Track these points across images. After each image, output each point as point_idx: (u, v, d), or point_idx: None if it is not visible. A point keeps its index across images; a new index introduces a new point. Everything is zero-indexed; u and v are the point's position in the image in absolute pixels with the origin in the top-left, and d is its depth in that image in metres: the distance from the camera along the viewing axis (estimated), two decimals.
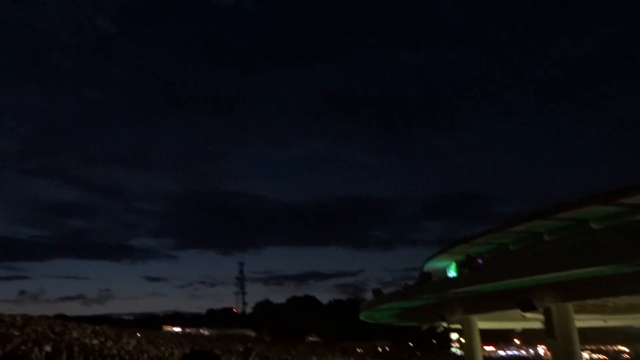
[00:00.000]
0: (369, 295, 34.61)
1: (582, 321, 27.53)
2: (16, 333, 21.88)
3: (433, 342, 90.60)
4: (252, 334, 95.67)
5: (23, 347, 13.51)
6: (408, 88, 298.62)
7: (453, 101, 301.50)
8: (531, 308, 19.33)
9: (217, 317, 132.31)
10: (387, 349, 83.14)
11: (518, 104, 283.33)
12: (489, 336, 64.40)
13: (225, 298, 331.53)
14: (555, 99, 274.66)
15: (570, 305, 20.59)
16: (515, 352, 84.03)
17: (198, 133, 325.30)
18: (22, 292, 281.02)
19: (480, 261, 21.80)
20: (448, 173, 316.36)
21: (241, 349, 52.70)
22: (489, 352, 79.19)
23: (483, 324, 30.85)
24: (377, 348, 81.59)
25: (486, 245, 25.19)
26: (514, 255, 23.65)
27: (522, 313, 20.92)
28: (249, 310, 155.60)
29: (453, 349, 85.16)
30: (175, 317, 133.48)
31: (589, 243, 18.00)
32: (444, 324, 28.42)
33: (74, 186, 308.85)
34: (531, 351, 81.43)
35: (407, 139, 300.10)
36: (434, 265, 29.55)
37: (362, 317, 35.42)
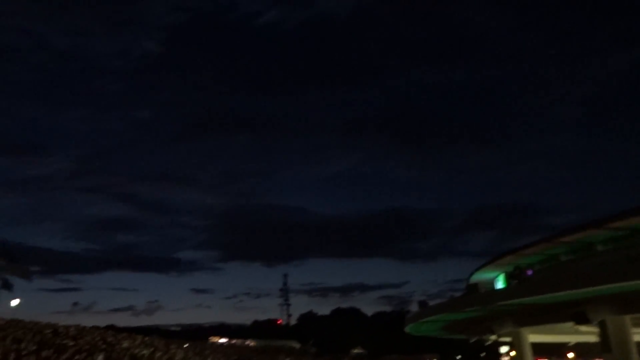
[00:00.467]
0: (414, 308, 34.25)
1: None
2: (70, 343, 22.63)
3: (481, 356, 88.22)
4: (297, 345, 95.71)
5: (77, 357, 13.99)
6: (449, 105, 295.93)
7: (496, 116, 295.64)
8: (585, 321, 18.72)
9: (262, 329, 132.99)
10: None
11: (565, 117, 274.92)
12: (541, 349, 62.20)
13: (269, 309, 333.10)
14: (603, 112, 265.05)
15: (627, 318, 19.79)
16: None
17: (241, 151, 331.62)
18: (75, 304, 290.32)
19: (529, 273, 21.27)
20: (491, 186, 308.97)
21: None
22: None
23: (534, 336, 29.95)
24: None
25: (536, 256, 24.54)
26: (566, 266, 22.92)
27: (575, 326, 20.25)
28: (293, 321, 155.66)
29: None
30: (221, 329, 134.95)
31: None
32: (493, 337, 27.79)
33: (123, 202, 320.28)
34: None
35: (448, 154, 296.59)
36: (480, 277, 28.98)
37: (407, 329, 35.03)
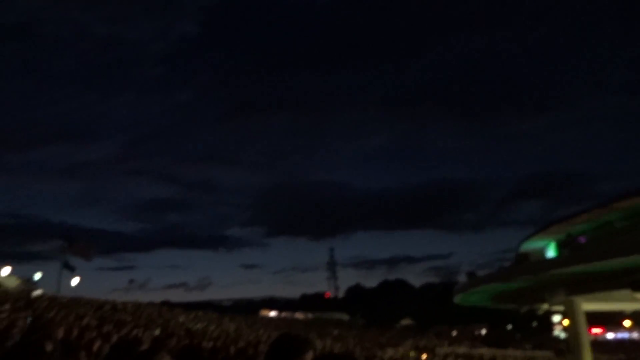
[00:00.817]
0: (461, 279, 33.94)
1: None
2: (129, 318, 23.65)
3: (533, 325, 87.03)
4: (346, 317, 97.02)
5: (135, 331, 14.57)
6: (493, 71, 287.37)
7: (543, 81, 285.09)
8: None
9: (311, 302, 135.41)
10: (483, 332, 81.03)
11: (615, 79, 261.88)
12: (596, 318, 60.75)
13: (317, 283, 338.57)
14: None
15: None
16: (627, 335, 78.71)
17: (284, 128, 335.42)
18: (131, 281, 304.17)
19: (582, 240, 20.61)
20: (540, 153, 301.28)
21: (335, 333, 53.74)
22: (596, 334, 74.75)
23: (588, 305, 29.17)
24: (473, 331, 79.74)
25: (588, 223, 23.70)
26: (622, 232, 22.04)
27: (633, 294, 19.56)
28: (341, 294, 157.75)
29: (556, 332, 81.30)
30: (271, 302, 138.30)
31: None
32: (545, 306, 27.26)
33: (169, 183, 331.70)
34: None
35: (495, 122, 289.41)
36: (530, 246, 28.29)
37: (456, 300, 34.78)
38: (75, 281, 42.31)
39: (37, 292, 36.64)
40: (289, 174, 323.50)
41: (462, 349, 48.84)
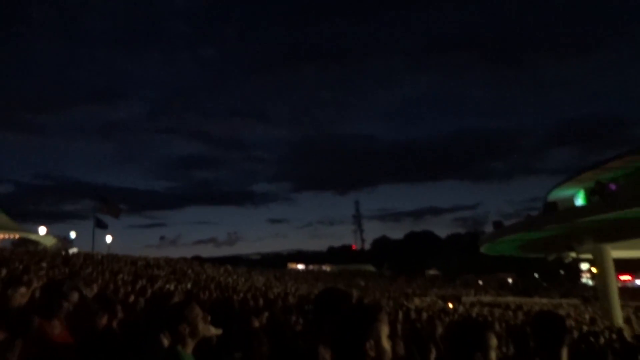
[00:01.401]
0: (488, 229, 33.91)
1: None
2: (161, 274, 24.38)
3: (561, 273, 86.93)
4: (372, 269, 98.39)
5: (168, 286, 15.04)
6: (525, 16, 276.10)
7: (575, 24, 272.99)
8: None
9: (338, 254, 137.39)
10: (510, 281, 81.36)
11: None
12: (625, 265, 60.21)
13: (344, 236, 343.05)
14: None
15: None
16: None
17: (310, 81, 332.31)
18: (162, 238, 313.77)
19: (613, 187, 20.21)
20: (573, 99, 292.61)
21: (362, 284, 54.67)
22: (625, 281, 74.36)
23: (617, 252, 28.89)
24: (500, 280, 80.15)
25: (620, 170, 23.17)
26: None
27: None
28: (367, 247, 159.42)
29: (584, 280, 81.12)
30: (299, 256, 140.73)
31: None
32: (573, 254, 27.09)
33: (198, 140, 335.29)
34: None
35: (527, 67, 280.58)
36: (559, 194, 27.92)
37: (482, 249, 34.87)
38: (108, 239, 43.72)
39: (73, 250, 38.05)
40: (316, 128, 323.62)
41: (488, 298, 49.26)
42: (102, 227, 39.16)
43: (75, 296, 3.08)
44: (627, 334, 16.70)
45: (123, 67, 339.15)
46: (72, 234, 55.95)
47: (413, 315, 12.41)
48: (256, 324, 4.84)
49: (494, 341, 2.24)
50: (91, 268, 19.81)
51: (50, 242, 51.20)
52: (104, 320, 4.46)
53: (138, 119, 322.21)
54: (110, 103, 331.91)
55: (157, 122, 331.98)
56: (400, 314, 11.01)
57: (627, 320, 28.85)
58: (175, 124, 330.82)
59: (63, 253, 29.89)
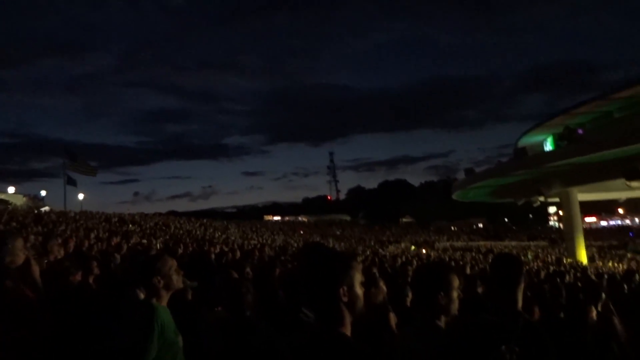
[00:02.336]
0: (460, 176, 34.43)
1: None
2: (136, 229, 24.26)
3: (530, 217, 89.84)
4: (348, 218, 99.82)
5: (144, 241, 15.00)
6: None
7: None
8: (638, 176, 18.33)
9: (313, 205, 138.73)
10: (481, 225, 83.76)
11: None
12: (590, 207, 62.39)
13: (319, 187, 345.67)
14: None
15: None
16: (619, 222, 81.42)
17: (281, 30, 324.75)
18: (135, 194, 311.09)
19: (580, 132, 20.63)
20: (544, 45, 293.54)
21: (338, 233, 55.59)
22: (590, 223, 77.32)
23: (583, 195, 29.85)
24: (471, 226, 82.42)
25: (588, 115, 23.60)
26: (620, 122, 22.01)
27: (627, 182, 19.91)
28: (342, 197, 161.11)
29: (551, 223, 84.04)
30: (274, 208, 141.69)
31: None
32: (541, 199, 27.89)
33: (168, 93, 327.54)
34: (637, 220, 78.46)
35: (498, 13, 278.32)
36: (529, 140, 28.41)
37: (454, 196, 35.60)
38: (80, 196, 43.10)
39: (45, 208, 37.43)
40: (288, 78, 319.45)
41: (460, 243, 50.76)
42: (73, 184, 38.41)
43: (19, 243, 3.00)
44: (591, 271, 17.51)
45: (87, 18, 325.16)
46: (43, 192, 54.91)
47: (388, 261, 12.72)
48: (235, 275, 4.89)
49: (455, 282, 2.39)
50: (65, 226, 19.58)
51: (20, 201, 50.18)
52: (78, 276, 4.45)
53: (105, 72, 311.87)
54: (75, 56, 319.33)
55: (126, 75, 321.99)
56: (377, 261, 11.27)
57: (591, 259, 30.19)
58: (144, 77, 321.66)
59: (35, 212, 29.38)
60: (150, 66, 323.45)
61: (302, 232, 54.51)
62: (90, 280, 4.85)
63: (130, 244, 11.81)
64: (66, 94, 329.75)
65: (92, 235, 13.93)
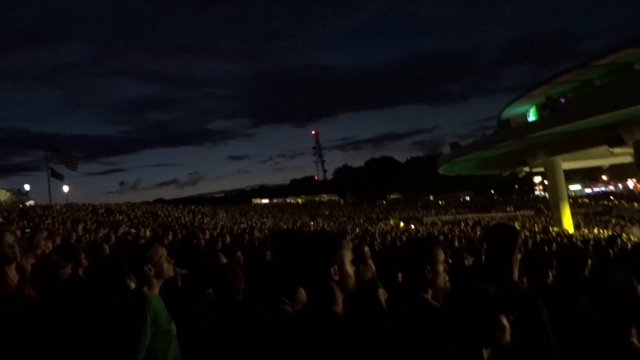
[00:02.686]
0: (446, 150, 34.62)
1: None
2: (124, 219, 24.14)
3: (515, 188, 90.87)
4: (336, 198, 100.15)
5: (132, 230, 14.94)
6: None
7: None
8: (620, 143, 18.58)
9: (301, 186, 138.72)
10: (468, 199, 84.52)
11: None
12: (574, 175, 63.23)
13: (305, 168, 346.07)
14: None
15: None
16: (603, 189, 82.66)
17: (261, 12, 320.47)
18: (121, 183, 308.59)
19: (562, 101, 20.78)
20: (526, 16, 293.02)
21: (327, 213, 55.78)
22: (575, 191, 78.43)
23: (567, 164, 30.23)
24: (459, 199, 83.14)
25: (569, 84, 23.75)
26: (601, 90, 22.19)
27: (609, 149, 20.19)
28: (329, 176, 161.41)
29: (537, 192, 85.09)
30: (262, 191, 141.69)
31: None
32: (526, 169, 28.19)
33: (149, 81, 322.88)
34: (620, 186, 79.72)
35: None
36: (512, 111, 28.57)
37: (441, 171, 35.81)
38: (65, 189, 42.58)
39: (30, 203, 37.01)
40: (270, 60, 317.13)
41: (448, 216, 51.28)
42: (58, 177, 37.89)
43: (9, 238, 2.98)
44: (577, 238, 17.82)
45: (63, 7, 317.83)
46: (26, 187, 54.29)
47: (378, 238, 12.81)
48: (224, 260, 4.89)
49: (441, 255, 2.44)
50: (51, 219, 19.41)
51: (4, 196, 49.55)
52: (68, 269, 4.42)
53: (84, 62, 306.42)
54: (52, 47, 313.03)
55: (105, 64, 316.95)
56: (367, 238, 11.35)
57: (577, 226, 30.69)
58: (123, 66, 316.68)
59: (20, 206, 29.06)
60: (130, 54, 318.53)
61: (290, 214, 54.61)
62: (80, 272, 4.83)
63: (118, 234, 11.75)
64: (45, 86, 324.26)
65: (80, 227, 13.83)
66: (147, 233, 13.89)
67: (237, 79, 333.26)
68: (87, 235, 10.86)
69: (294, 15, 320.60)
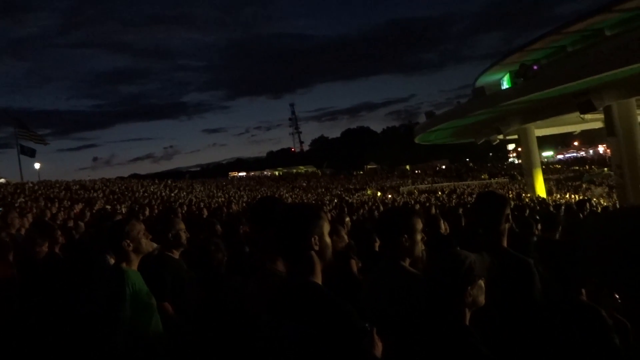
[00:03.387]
0: (422, 119, 34.77)
1: None
2: (99, 195, 23.81)
3: (490, 155, 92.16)
4: (313, 169, 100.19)
5: (108, 207, 14.78)
6: None
7: None
8: (591, 109, 18.89)
9: (278, 158, 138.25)
10: (444, 167, 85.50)
11: None
12: (547, 141, 64.35)
13: (282, 140, 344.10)
14: None
15: (632, 101, 19.94)
16: (575, 154, 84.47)
17: None
18: (95, 159, 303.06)
19: (535, 68, 20.94)
20: None
21: (304, 184, 55.87)
22: (547, 157, 79.98)
23: (540, 131, 30.72)
24: (435, 167, 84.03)
25: (543, 51, 23.92)
26: (573, 56, 22.43)
27: (581, 115, 20.53)
28: (306, 148, 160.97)
29: (510, 159, 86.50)
30: (239, 164, 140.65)
31: None
32: (500, 136, 28.54)
33: (120, 53, 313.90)
34: (591, 151, 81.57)
35: None
36: (486, 79, 28.73)
37: (417, 140, 36.02)
38: (37, 166, 41.68)
39: (1, 181, 36.16)
40: (244, 30, 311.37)
41: (424, 185, 51.85)
42: (28, 154, 36.98)
43: None
44: (549, 203, 18.27)
45: None
46: None
47: (355, 208, 12.92)
48: (202, 235, 4.90)
49: (419, 225, 2.51)
50: (24, 197, 19.04)
51: None
52: (45, 247, 4.38)
53: (50, 33, 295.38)
54: (16, 18, 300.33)
55: (73, 36, 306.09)
56: (344, 208, 11.43)
57: (549, 192, 31.43)
58: (92, 36, 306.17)
59: None
60: (98, 24, 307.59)
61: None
62: (57, 249, 4.79)
63: (94, 211, 11.61)
64: (10, 59, 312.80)
65: (55, 205, 13.62)
66: (123, 209, 13.75)
67: (211, 50, 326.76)
68: (62, 213, 10.71)
69: None
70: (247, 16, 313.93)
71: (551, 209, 12.64)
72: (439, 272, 2.00)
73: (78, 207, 12.43)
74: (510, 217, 2.66)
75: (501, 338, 2.23)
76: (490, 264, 2.03)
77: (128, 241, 2.74)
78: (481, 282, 1.98)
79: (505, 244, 2.63)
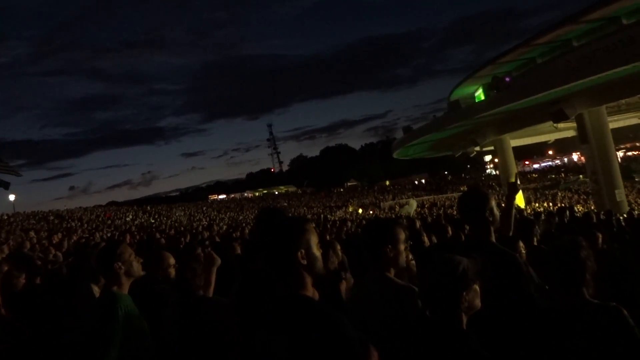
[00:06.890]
0: (399, 134, 35.08)
1: (616, 122, 27.48)
2: (77, 225, 23.38)
3: (468, 167, 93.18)
4: (293, 189, 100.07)
5: (86, 236, 14.53)
6: None
7: None
8: (563, 118, 19.27)
9: (257, 180, 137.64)
10: (423, 181, 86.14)
11: None
12: (522, 152, 65.44)
13: (261, 160, 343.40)
14: None
15: (603, 109, 20.42)
16: (550, 163, 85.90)
17: (205, 2, 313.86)
18: (71, 188, 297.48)
19: (507, 80, 21.38)
20: None
21: (285, 204, 55.70)
22: (524, 167, 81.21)
23: (515, 141, 31.22)
24: (414, 182, 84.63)
25: (514, 63, 24.47)
26: (543, 67, 22.98)
27: (554, 124, 20.97)
28: (285, 168, 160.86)
29: (488, 170, 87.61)
30: (218, 186, 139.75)
31: (622, 41, 17.24)
32: (477, 148, 28.91)
33: (93, 79, 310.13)
34: (565, 160, 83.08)
35: None
36: (461, 92, 29.22)
37: (395, 155, 36.29)
38: (11, 197, 40.80)
39: None
40: (218, 52, 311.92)
41: (404, 200, 52.14)
42: (3, 186, 36.14)
43: None
44: (528, 213, 18.52)
45: None
46: None
47: (337, 225, 12.88)
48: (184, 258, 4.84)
49: (402, 235, 2.53)
50: None
51: None
52: (22, 279, 4.26)
53: (21, 61, 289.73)
54: None
55: (44, 63, 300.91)
56: (328, 226, 11.42)
57: (528, 201, 31.86)
58: (64, 64, 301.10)
59: None
60: (70, 51, 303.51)
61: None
62: (37, 280, 4.68)
63: (72, 241, 11.39)
64: None
65: (32, 236, 13.33)
66: (104, 237, 13.53)
67: (186, 73, 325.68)
68: (40, 244, 10.49)
69: (238, 4, 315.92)
70: (221, 38, 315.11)
71: (529, 216, 12.82)
72: (433, 278, 2.01)
73: (56, 238, 12.18)
74: (495, 210, 2.70)
75: (501, 339, 2.24)
76: (483, 266, 2.05)
77: (120, 263, 2.69)
78: (476, 287, 1.99)
79: (493, 239, 2.67)
